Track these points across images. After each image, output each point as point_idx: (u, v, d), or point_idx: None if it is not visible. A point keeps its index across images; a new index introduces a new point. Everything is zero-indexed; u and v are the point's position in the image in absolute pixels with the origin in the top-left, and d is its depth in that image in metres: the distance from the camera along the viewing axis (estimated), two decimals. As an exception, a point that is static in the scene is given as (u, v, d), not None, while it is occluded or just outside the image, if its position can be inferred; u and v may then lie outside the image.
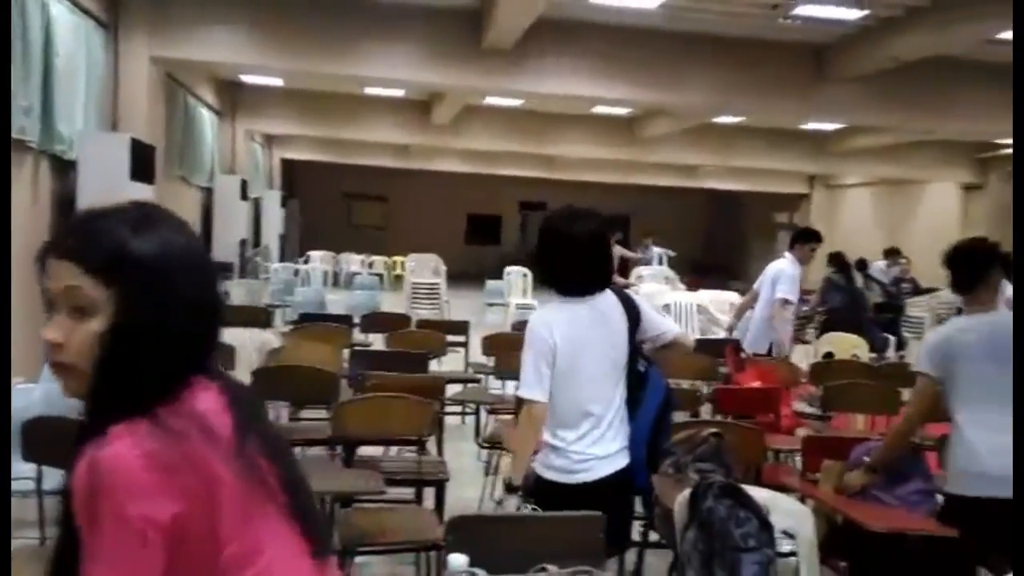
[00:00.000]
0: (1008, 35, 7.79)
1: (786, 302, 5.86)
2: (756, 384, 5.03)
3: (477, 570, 1.76)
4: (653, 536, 3.81)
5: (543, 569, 1.83)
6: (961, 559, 2.79)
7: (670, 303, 8.65)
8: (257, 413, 1.18)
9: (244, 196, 11.90)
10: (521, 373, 2.52)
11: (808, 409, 5.06)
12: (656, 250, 15.00)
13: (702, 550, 2.38)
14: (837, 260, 9.01)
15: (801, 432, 4.33)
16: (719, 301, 8.13)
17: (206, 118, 11.22)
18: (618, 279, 9.04)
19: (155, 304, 1.03)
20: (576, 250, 2.55)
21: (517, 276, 12.61)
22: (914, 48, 7.90)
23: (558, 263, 2.59)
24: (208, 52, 8.23)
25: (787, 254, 6.17)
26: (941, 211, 16.59)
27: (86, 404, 1.04)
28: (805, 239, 6.14)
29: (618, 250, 12.92)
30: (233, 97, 13.09)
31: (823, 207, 20.33)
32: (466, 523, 2.12)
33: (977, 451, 2.80)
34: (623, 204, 22.79)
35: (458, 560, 1.80)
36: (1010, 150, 14.64)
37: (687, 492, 2.50)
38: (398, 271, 17.08)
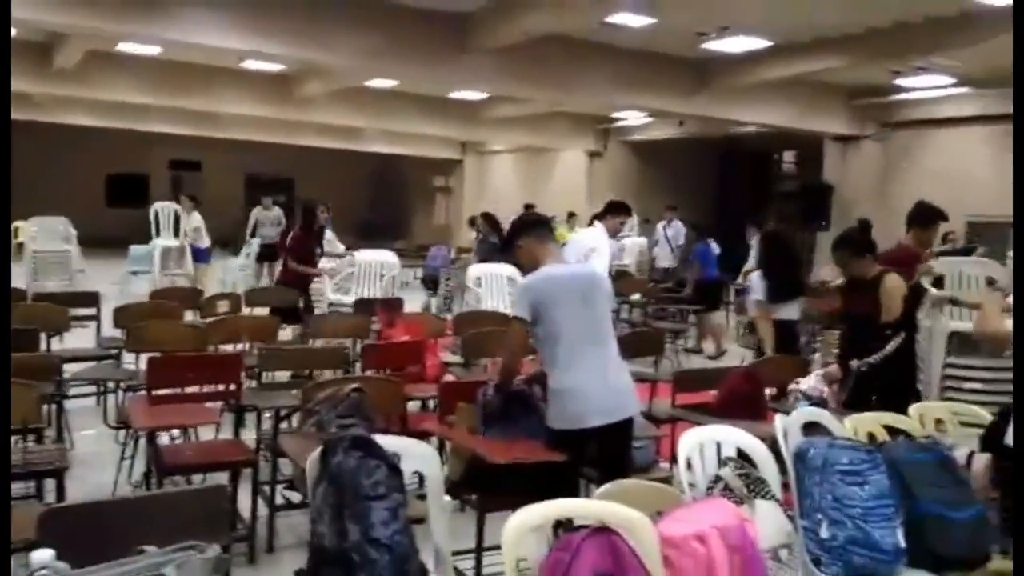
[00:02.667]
0: (620, 18, 8.86)
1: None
2: (405, 338, 5.25)
3: (59, 564, 1.60)
4: (297, 497, 3.85)
5: (141, 551, 1.72)
6: (567, 477, 3.22)
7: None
8: None
9: None
10: None
11: (453, 358, 5.41)
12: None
13: (333, 503, 2.42)
14: (489, 219, 9.92)
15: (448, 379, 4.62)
16: (380, 261, 8.37)
17: None
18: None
19: None
20: None
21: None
22: (540, 24, 8.62)
23: None
24: None
25: (598, 224, 6.19)
26: (571, 175, 18.53)
27: None
28: (616, 211, 6.12)
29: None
30: None
31: (475, 172, 21.59)
32: (60, 514, 1.93)
33: (578, 390, 3.25)
34: (287, 166, 22.06)
35: (41, 556, 1.62)
36: (624, 123, 16.78)
37: (319, 449, 2.53)
38: (20, 238, 14.78)
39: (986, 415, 3.44)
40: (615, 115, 16.23)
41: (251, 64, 12.75)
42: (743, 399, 4.25)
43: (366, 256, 8.42)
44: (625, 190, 17.22)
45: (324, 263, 7.73)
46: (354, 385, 3.43)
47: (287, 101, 14.40)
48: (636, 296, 9.64)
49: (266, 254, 11.52)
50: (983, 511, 2.95)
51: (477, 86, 12.91)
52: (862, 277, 4.63)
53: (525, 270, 3.53)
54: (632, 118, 16.20)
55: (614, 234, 6.30)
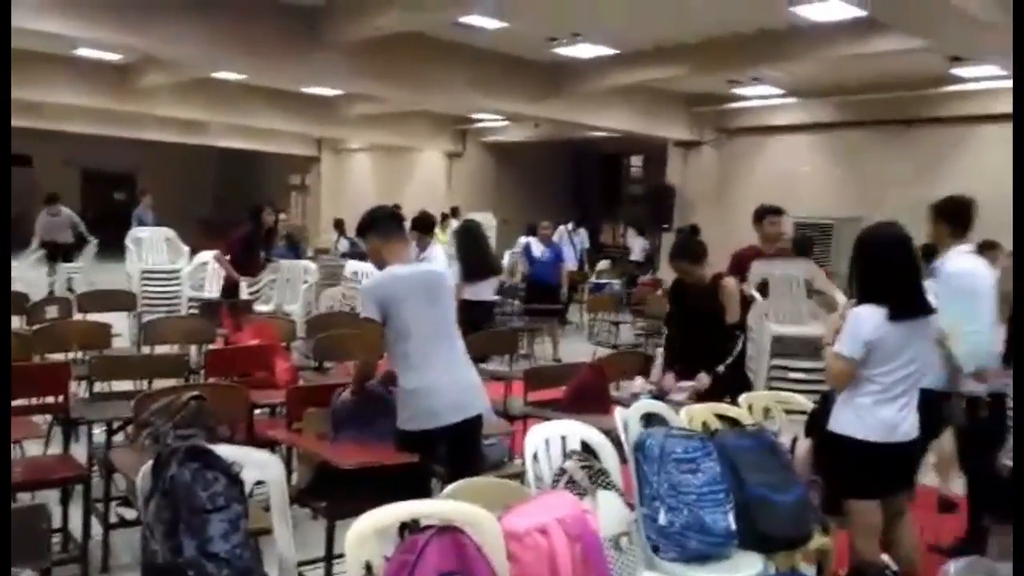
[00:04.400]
0: (473, 20, 8.93)
1: None
2: (254, 342, 5.06)
3: None
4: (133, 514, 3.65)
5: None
6: (419, 478, 3.21)
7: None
8: None
9: None
10: None
11: (306, 362, 5.27)
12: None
13: (166, 518, 2.30)
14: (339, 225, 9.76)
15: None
16: (302, 267, 7.92)
17: None
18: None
19: None
20: None
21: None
22: (393, 22, 8.54)
23: None
24: None
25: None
26: (431, 175, 18.51)
27: None
28: None
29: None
30: None
31: (332, 170, 21.13)
32: None
33: (430, 389, 3.25)
34: (128, 161, 20.75)
35: None
36: (483, 124, 16.95)
37: (150, 462, 2.40)
38: None
39: (808, 403, 3.72)
40: (474, 116, 16.35)
41: (85, 52, 11.90)
42: (590, 394, 4.41)
43: (286, 263, 8.02)
44: (484, 191, 17.42)
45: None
46: (193, 393, 3.30)
47: (126, 92, 13.52)
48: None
49: (55, 255, 11.30)
50: (805, 492, 3.19)
51: (329, 82, 12.64)
52: (700, 281, 4.87)
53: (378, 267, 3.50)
54: (490, 120, 16.38)
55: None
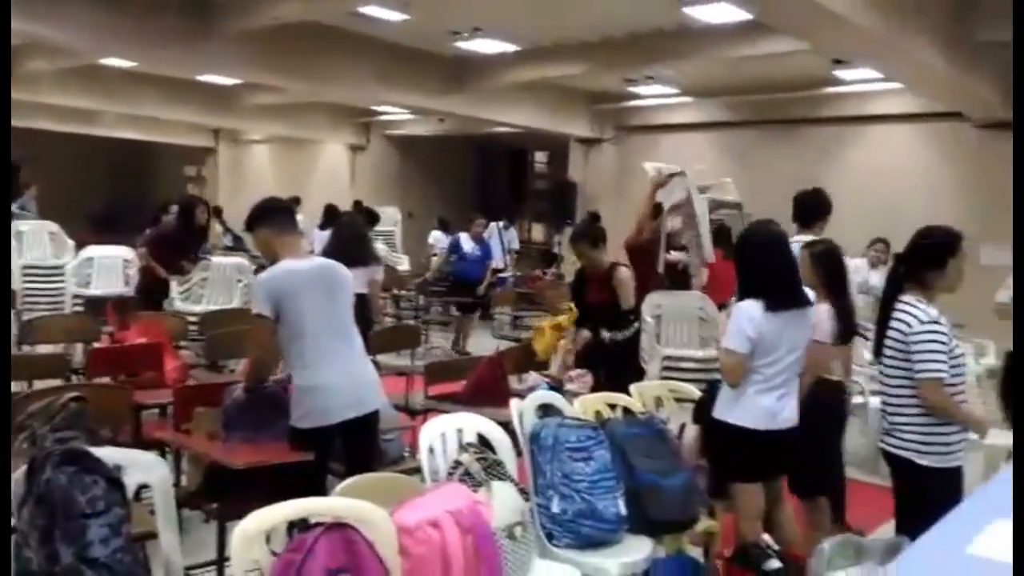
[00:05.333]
0: (372, 10, 8.82)
1: None
2: (141, 341, 4.87)
3: None
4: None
5: None
6: (314, 476, 3.18)
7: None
8: None
9: None
10: None
11: (197, 360, 5.12)
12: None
13: (41, 525, 2.22)
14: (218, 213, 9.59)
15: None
16: (236, 265, 7.43)
17: None
18: None
19: None
20: None
21: None
22: (290, 11, 8.35)
23: None
24: None
25: None
26: (334, 168, 18.19)
27: None
28: None
29: None
30: None
31: (231, 162, 20.48)
32: None
33: (325, 386, 3.22)
34: (12, 149, 19.52)
35: None
36: (387, 117, 16.78)
37: (23, 467, 2.30)
38: None
39: (696, 392, 3.87)
40: (377, 109, 16.15)
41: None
42: (489, 387, 4.45)
43: (220, 260, 7.57)
44: (389, 184, 17.23)
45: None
46: (73, 394, 3.17)
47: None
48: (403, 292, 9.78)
49: None
50: (692, 477, 3.33)
51: (224, 71, 12.22)
52: (599, 268, 5.02)
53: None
54: (394, 113, 16.21)
55: None
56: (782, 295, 3.24)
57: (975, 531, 1.99)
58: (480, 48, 10.34)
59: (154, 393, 4.01)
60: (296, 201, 12.87)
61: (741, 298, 3.30)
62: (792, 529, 3.52)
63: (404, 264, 12.50)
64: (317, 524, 2.10)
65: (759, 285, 3.26)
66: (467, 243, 9.41)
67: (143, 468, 2.53)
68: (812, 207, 4.64)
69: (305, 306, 3.18)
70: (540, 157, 18.92)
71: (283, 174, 19.23)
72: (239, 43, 9.24)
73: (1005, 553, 1.83)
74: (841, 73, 10.17)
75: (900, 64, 8.19)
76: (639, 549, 2.98)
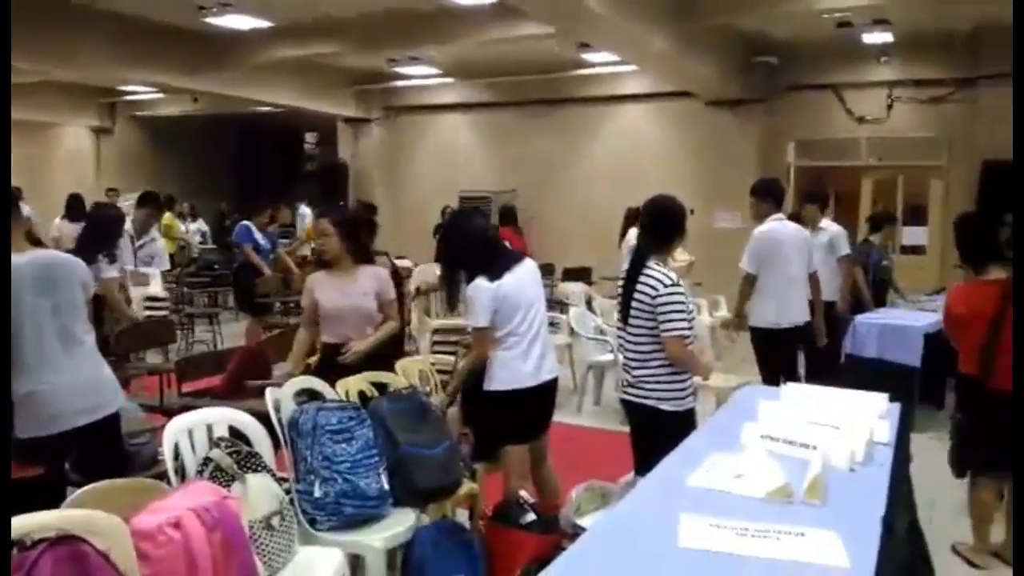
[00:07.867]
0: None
1: None
2: None
3: None
4: None
5: None
6: (51, 489, 2.92)
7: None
8: None
9: None
10: None
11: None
12: None
13: None
14: None
15: None
16: None
17: None
18: None
19: None
20: None
21: None
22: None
23: None
24: None
25: None
26: (77, 153, 16.57)
27: None
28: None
29: None
30: None
31: (-53, 149, 17.94)
32: None
33: (50, 392, 2.94)
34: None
35: None
36: (134, 97, 15.49)
37: None
38: None
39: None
40: (121, 88, 14.84)
41: None
42: (252, 378, 4.31)
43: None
44: (141, 169, 15.96)
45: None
46: None
47: None
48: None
49: None
50: (454, 445, 3.46)
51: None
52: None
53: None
54: (142, 92, 14.98)
55: None
56: (491, 264, 3.50)
57: (695, 465, 2.25)
58: (232, 24, 9.82)
59: None
60: (18, 191, 11.54)
61: (469, 279, 3.53)
62: (554, 482, 3.77)
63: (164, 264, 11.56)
64: (41, 540, 1.95)
65: (468, 263, 3.55)
66: (258, 234, 8.65)
67: None
68: (778, 191, 5.39)
69: (20, 305, 2.87)
70: (309, 138, 18.41)
71: (18, 160, 17.15)
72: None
73: (719, 482, 2.11)
74: (588, 56, 10.80)
75: (634, 48, 8.86)
76: (403, 521, 3.05)
